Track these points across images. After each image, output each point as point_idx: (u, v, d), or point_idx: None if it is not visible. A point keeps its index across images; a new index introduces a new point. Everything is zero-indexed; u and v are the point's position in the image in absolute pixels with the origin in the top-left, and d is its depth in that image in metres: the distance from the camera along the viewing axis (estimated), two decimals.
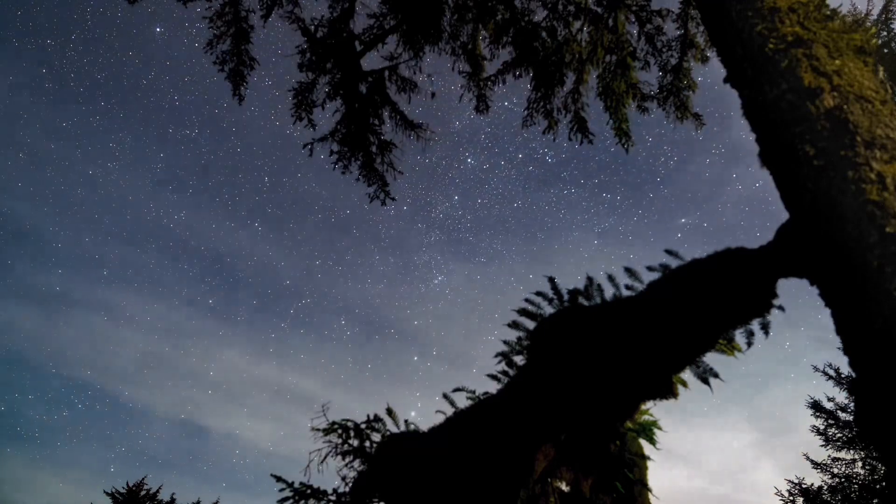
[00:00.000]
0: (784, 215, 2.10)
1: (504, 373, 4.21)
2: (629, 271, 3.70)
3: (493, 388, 4.54)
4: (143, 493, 13.69)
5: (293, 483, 3.70)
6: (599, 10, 6.13)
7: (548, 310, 4.13)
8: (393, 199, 6.79)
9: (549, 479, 3.54)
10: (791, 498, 11.91)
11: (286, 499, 3.68)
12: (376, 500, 3.49)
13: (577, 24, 6.24)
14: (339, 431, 3.81)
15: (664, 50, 6.26)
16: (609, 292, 3.88)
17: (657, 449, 4.15)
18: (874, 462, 11.28)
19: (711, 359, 3.51)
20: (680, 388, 3.46)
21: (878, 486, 10.99)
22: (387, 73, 6.37)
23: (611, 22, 6.15)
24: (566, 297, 4.07)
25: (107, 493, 13.51)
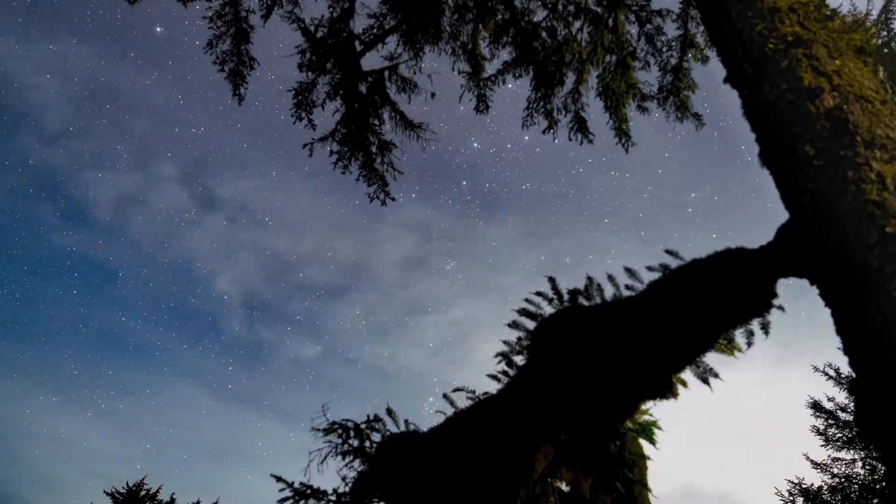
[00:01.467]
0: (784, 215, 2.10)
1: (504, 373, 4.21)
2: (629, 271, 3.70)
3: (493, 388, 4.54)
4: (142, 492, 13.68)
5: (293, 483, 3.69)
6: (599, 10, 6.13)
7: (548, 310, 4.14)
8: (393, 198, 6.79)
9: (549, 479, 3.54)
10: (791, 498, 11.90)
11: (286, 499, 3.68)
12: (376, 500, 3.49)
13: (577, 24, 6.24)
14: (339, 431, 3.81)
15: (664, 50, 6.26)
16: (609, 292, 3.88)
17: (657, 449, 4.15)
18: (874, 462, 11.28)
19: (712, 359, 3.51)
20: (681, 388, 3.46)
21: (878, 486, 10.98)
22: (387, 73, 6.37)
23: (611, 22, 6.15)
24: (566, 296, 4.07)
25: (107, 493, 13.48)
